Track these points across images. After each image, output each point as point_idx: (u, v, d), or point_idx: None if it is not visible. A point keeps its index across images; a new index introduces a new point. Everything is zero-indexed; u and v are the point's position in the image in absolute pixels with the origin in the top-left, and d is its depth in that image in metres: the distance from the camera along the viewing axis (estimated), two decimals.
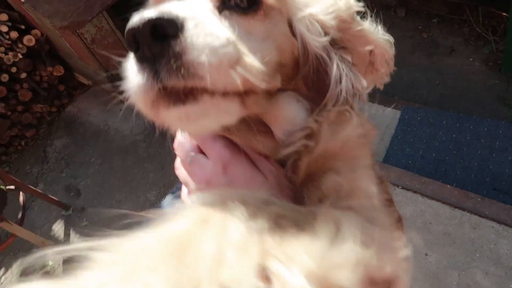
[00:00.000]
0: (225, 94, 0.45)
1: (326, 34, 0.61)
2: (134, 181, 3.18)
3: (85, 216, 3.09)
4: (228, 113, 0.48)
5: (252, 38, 0.52)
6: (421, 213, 1.75)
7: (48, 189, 3.33)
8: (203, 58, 0.42)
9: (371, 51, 0.65)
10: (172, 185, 2.97)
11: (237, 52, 0.46)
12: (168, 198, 2.71)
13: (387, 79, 0.72)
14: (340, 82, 0.60)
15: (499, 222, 1.62)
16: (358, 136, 0.58)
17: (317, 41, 0.60)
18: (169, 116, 0.46)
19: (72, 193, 3.29)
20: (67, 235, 3.02)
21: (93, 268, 0.37)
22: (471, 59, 3.04)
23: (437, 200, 1.76)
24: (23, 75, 3.65)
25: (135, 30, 0.42)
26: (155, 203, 2.94)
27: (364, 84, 0.62)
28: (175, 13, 0.43)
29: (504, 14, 2.91)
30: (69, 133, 3.82)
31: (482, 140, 2.20)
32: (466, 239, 1.64)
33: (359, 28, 0.63)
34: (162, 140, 3.36)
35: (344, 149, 0.56)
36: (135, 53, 0.43)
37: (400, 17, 3.51)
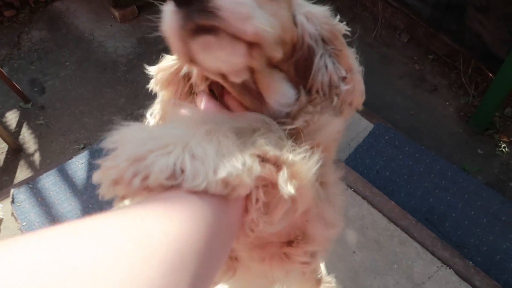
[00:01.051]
0: (238, 38, 0.55)
1: (318, 30, 0.74)
2: (103, 99, 3.14)
3: (43, 115, 3.02)
4: (238, 53, 0.57)
5: (263, 11, 0.60)
6: (361, 217, 1.93)
7: (12, 76, 3.19)
8: (227, 5, 0.52)
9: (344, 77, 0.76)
10: (139, 118, 2.98)
11: (253, 11, 0.55)
12: None
13: (352, 114, 0.83)
14: (326, 68, 0.73)
15: (422, 245, 1.84)
16: (338, 132, 0.73)
17: (311, 32, 0.73)
18: (194, 45, 0.56)
19: (36, 88, 3.19)
20: (19, 126, 2.95)
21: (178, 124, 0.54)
22: (447, 103, 3.27)
23: (379, 211, 1.94)
24: None
25: None
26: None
27: (343, 74, 0.75)
28: None
29: (491, 75, 3.15)
30: (50, 28, 3.66)
31: (432, 176, 2.43)
32: (391, 250, 1.84)
33: (343, 47, 0.76)
34: (144, 70, 3.32)
35: (327, 142, 0.70)
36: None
37: (402, 42, 3.67)
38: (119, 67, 3.37)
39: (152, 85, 0.82)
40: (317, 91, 0.74)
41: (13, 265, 0.29)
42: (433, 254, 1.80)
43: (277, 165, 0.54)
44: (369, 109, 3.10)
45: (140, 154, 0.47)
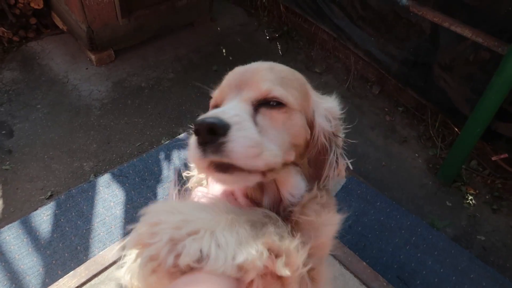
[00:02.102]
0: (251, 171, 0.72)
1: (331, 125, 0.90)
2: (74, 144, 3.07)
3: (10, 160, 2.92)
4: (251, 182, 0.76)
5: (275, 124, 0.80)
6: (333, 279, 1.92)
7: None
8: (237, 150, 0.68)
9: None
10: (112, 164, 2.93)
11: (261, 149, 0.71)
12: (105, 177, 2.67)
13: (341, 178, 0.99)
14: (336, 163, 0.89)
15: None
16: (335, 233, 0.86)
17: (326, 131, 0.89)
18: (213, 176, 0.75)
19: (3, 131, 3.10)
20: None
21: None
22: (417, 154, 3.37)
23: (351, 272, 1.93)
24: None
25: (198, 126, 0.68)
26: (88, 175, 2.87)
27: (349, 165, 0.93)
28: (225, 120, 0.68)
29: (456, 129, 3.29)
30: (23, 69, 3.61)
31: (403, 231, 2.46)
32: None
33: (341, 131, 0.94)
34: (118, 116, 3.30)
35: (324, 245, 0.84)
36: (197, 137, 0.70)
37: (374, 93, 3.80)
38: (93, 111, 3.33)
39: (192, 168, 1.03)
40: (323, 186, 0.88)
41: None
42: None
43: (278, 255, 0.64)
44: None
45: (177, 236, 0.58)
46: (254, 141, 0.70)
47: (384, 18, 3.31)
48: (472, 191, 3.13)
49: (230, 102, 0.80)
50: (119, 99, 3.44)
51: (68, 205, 2.37)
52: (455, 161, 3.04)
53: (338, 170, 0.92)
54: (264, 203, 0.86)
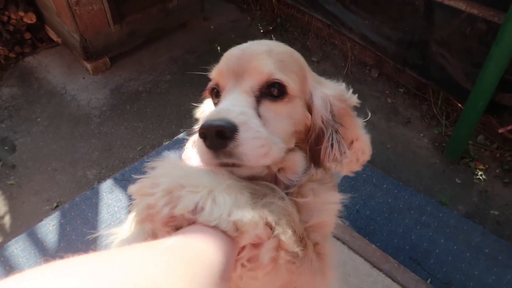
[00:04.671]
0: (255, 167, 0.74)
1: (330, 111, 0.86)
2: (76, 153, 3.08)
3: (14, 174, 2.94)
4: (258, 172, 0.79)
5: (278, 116, 0.79)
6: (343, 264, 1.88)
7: None
8: (249, 153, 0.69)
9: (352, 141, 0.86)
10: (115, 170, 2.92)
11: (269, 147, 0.72)
12: (108, 182, 2.66)
13: (359, 168, 0.94)
14: (331, 147, 0.86)
15: None
16: (336, 211, 0.86)
17: (324, 115, 0.86)
18: (223, 169, 0.73)
19: (6, 147, 3.12)
20: None
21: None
22: (422, 134, 3.32)
23: (361, 256, 1.90)
24: None
25: (205, 130, 0.68)
26: (92, 183, 2.87)
27: (348, 153, 0.88)
28: (232, 121, 0.68)
29: (460, 105, 3.23)
30: (21, 84, 3.63)
31: (412, 212, 2.41)
32: None
33: (354, 120, 0.91)
34: (118, 122, 3.29)
35: (326, 223, 0.84)
36: (204, 140, 0.70)
37: (373, 77, 3.75)
38: (93, 120, 3.34)
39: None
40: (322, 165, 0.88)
41: None
42: None
43: (273, 233, 0.64)
44: None
45: (174, 187, 0.59)
46: (263, 140, 0.71)
47: (376, 0, 3.26)
48: (481, 167, 3.07)
49: (232, 92, 0.79)
50: (118, 105, 3.44)
51: (72, 213, 2.37)
52: (461, 138, 2.98)
53: (333, 156, 0.88)
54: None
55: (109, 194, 2.49)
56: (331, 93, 0.88)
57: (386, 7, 3.24)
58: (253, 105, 0.76)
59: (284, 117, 0.79)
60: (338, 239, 1.95)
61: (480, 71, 2.61)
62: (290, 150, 0.82)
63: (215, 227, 0.57)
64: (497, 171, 3.05)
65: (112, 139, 3.18)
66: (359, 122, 0.94)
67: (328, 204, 0.83)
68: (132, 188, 0.63)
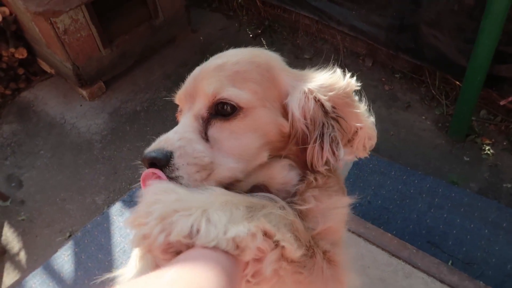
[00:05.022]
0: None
1: (321, 105, 0.79)
2: (83, 181, 3.09)
3: (24, 210, 2.94)
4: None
5: (234, 134, 0.76)
6: (361, 257, 1.86)
7: None
8: (184, 176, 0.71)
9: (357, 129, 0.80)
10: (123, 192, 2.92)
11: (210, 169, 0.74)
12: (117, 205, 2.66)
13: (367, 154, 0.90)
14: (321, 149, 0.80)
15: (428, 274, 1.77)
16: (346, 212, 0.82)
17: (306, 115, 0.80)
18: None
19: (13, 184, 3.13)
20: (0, 227, 2.85)
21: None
22: (423, 117, 3.29)
23: (377, 246, 1.88)
24: None
25: (142, 160, 0.75)
26: (102, 208, 2.87)
27: (342, 154, 0.79)
28: (166, 150, 0.72)
29: (458, 83, 3.20)
30: (20, 120, 3.65)
31: (424, 195, 2.39)
32: (398, 286, 1.77)
33: (355, 108, 0.84)
34: (120, 144, 3.30)
35: (336, 224, 0.80)
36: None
37: (367, 66, 3.74)
38: (95, 145, 3.35)
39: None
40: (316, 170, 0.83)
41: None
42: (441, 281, 1.73)
43: (275, 243, 0.62)
44: None
45: (167, 213, 0.58)
46: (198, 167, 0.72)
47: None
48: (488, 141, 3.04)
49: (183, 117, 0.81)
50: (118, 128, 3.45)
51: (86, 241, 2.37)
52: (463, 115, 2.96)
53: (324, 159, 0.82)
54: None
55: (120, 217, 2.49)
56: (319, 85, 0.81)
57: None
58: (198, 129, 0.77)
59: (242, 134, 0.76)
60: (352, 232, 1.93)
61: (473, 46, 2.60)
62: (267, 162, 0.80)
63: (215, 248, 0.55)
64: (504, 143, 3.02)
65: (116, 162, 3.18)
66: (361, 108, 0.87)
67: (333, 209, 0.80)
68: (127, 221, 0.63)
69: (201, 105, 0.78)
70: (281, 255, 0.63)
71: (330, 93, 0.81)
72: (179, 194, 0.63)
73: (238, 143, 0.76)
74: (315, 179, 0.81)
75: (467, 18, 2.75)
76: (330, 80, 0.83)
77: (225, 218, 0.58)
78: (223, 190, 0.69)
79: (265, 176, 0.80)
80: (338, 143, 0.80)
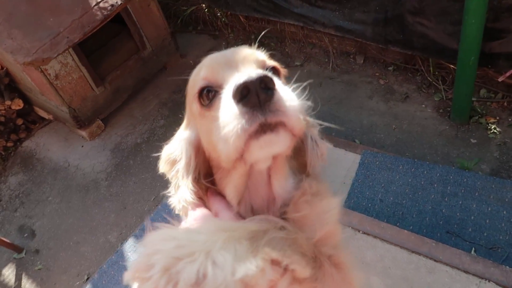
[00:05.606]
0: (292, 133, 0.66)
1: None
2: (94, 221, 3.08)
3: (39, 259, 2.94)
4: (288, 145, 0.67)
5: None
6: (380, 258, 1.82)
7: None
8: (291, 106, 0.63)
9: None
10: (134, 227, 2.91)
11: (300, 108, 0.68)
12: (130, 241, 2.64)
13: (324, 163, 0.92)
14: (317, 147, 0.84)
15: (452, 266, 1.71)
16: (337, 217, 0.80)
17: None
18: (256, 144, 0.63)
19: (26, 234, 3.13)
20: (18, 279, 2.85)
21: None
22: (423, 105, 3.25)
23: (395, 245, 1.83)
24: None
25: (248, 82, 0.60)
26: (116, 245, 2.85)
27: (326, 149, 0.87)
28: (270, 75, 0.62)
29: (452, 66, 3.17)
30: (25, 170, 3.67)
31: (435, 185, 2.34)
32: (423, 283, 1.71)
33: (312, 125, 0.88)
34: (125, 179, 3.30)
35: (332, 232, 0.79)
36: (240, 101, 0.61)
37: (359, 64, 3.72)
38: (101, 184, 3.35)
39: (161, 167, 0.90)
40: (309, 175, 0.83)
41: None
42: (466, 272, 1.68)
43: (284, 268, 0.60)
44: (350, 139, 3.06)
45: (170, 263, 0.55)
46: (294, 95, 0.67)
47: None
48: (492, 120, 2.99)
49: (236, 75, 0.70)
50: (121, 163, 3.45)
51: (104, 281, 2.35)
52: (463, 97, 2.91)
53: (320, 155, 0.86)
54: (255, 207, 0.82)
55: (134, 252, 2.47)
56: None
57: None
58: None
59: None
60: (368, 234, 1.89)
61: (461, 27, 2.57)
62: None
63: None
64: (510, 119, 2.96)
65: (124, 198, 3.18)
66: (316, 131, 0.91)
67: (327, 213, 0.79)
68: (127, 276, 0.59)
69: (253, 67, 0.75)
70: (292, 278, 0.61)
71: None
72: (178, 240, 0.60)
73: None
74: (310, 186, 0.81)
75: (450, 0, 2.73)
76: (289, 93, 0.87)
77: (230, 257, 0.56)
78: (220, 223, 0.67)
79: (281, 162, 0.78)
80: (321, 143, 0.86)
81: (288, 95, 0.65)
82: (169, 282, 0.54)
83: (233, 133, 0.62)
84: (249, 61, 0.75)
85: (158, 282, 0.55)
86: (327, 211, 0.79)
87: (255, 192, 0.81)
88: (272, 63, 0.79)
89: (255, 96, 0.60)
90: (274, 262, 0.59)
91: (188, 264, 0.55)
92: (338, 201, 0.82)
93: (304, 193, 0.80)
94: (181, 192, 0.83)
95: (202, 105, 0.77)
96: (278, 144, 0.65)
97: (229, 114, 0.63)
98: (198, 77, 0.78)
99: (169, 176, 0.89)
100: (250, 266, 0.55)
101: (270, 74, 0.62)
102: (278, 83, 0.64)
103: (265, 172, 0.78)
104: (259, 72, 0.61)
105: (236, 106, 0.62)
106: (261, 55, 0.79)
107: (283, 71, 0.81)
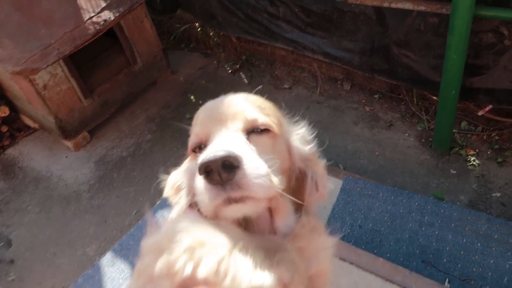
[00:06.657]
0: (260, 199, 0.71)
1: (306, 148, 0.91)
2: (73, 233, 3.04)
3: (13, 269, 2.88)
4: (257, 208, 0.73)
5: (266, 148, 0.79)
6: (355, 285, 1.84)
7: None
8: (254, 182, 0.66)
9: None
10: (114, 240, 2.88)
11: (269, 176, 0.71)
12: (108, 255, 2.62)
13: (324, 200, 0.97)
14: (316, 187, 0.89)
15: None
16: (332, 256, 0.84)
17: (303, 154, 0.90)
18: (226, 210, 0.69)
19: (1, 243, 3.08)
20: None
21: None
22: (407, 134, 3.33)
23: (371, 272, 1.86)
24: None
25: (210, 163, 0.64)
26: (93, 259, 2.82)
27: (327, 185, 0.92)
28: (236, 153, 0.66)
29: (435, 98, 3.26)
30: (6, 177, 3.63)
31: (413, 214, 2.38)
32: None
33: (318, 163, 0.94)
34: (108, 192, 3.28)
35: (326, 271, 0.82)
36: (205, 177, 0.66)
37: (346, 90, 3.81)
38: (83, 196, 3.32)
39: (166, 192, 0.95)
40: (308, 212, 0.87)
41: None
42: None
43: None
44: (335, 164, 3.11)
45: (197, 245, 0.57)
46: (265, 169, 0.70)
47: (329, 18, 3.35)
48: (472, 152, 3.07)
49: (220, 135, 0.77)
50: (105, 176, 3.44)
51: None
52: (444, 128, 2.99)
53: (319, 194, 0.91)
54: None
55: (111, 267, 2.44)
56: (303, 134, 0.93)
57: (340, 22, 3.33)
58: (245, 141, 0.77)
59: (271, 151, 0.80)
60: (344, 260, 1.91)
61: (443, 62, 2.66)
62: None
63: None
64: (489, 152, 3.05)
65: (106, 211, 3.15)
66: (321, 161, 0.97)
67: (323, 250, 0.82)
68: (146, 244, 0.60)
69: (239, 125, 0.80)
70: None
71: (307, 142, 0.93)
72: (205, 228, 0.62)
73: (273, 160, 0.76)
74: (308, 221, 0.84)
75: (434, 35, 2.83)
76: (306, 131, 0.96)
77: (249, 263, 0.58)
78: (237, 230, 0.69)
79: (279, 201, 0.80)
80: (321, 179, 0.91)
81: (254, 169, 0.67)
82: (189, 261, 0.55)
83: (204, 200, 0.69)
84: (239, 119, 0.80)
85: (179, 258, 0.55)
86: (323, 248, 0.82)
87: (256, 225, 0.83)
88: (263, 121, 0.82)
89: (217, 175, 0.64)
90: (283, 283, 0.61)
91: (213, 254, 0.56)
92: (334, 240, 0.85)
93: (303, 227, 0.83)
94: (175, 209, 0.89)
95: (194, 152, 0.85)
96: (247, 210, 0.71)
97: (199, 184, 0.70)
98: (195, 130, 0.85)
99: (172, 201, 0.94)
100: (266, 280, 0.57)
101: (235, 152, 0.66)
102: (247, 157, 0.68)
103: (266, 210, 0.81)
104: (224, 151, 0.65)
105: (203, 181, 0.68)
106: (253, 113, 0.82)
107: (274, 126, 0.83)
